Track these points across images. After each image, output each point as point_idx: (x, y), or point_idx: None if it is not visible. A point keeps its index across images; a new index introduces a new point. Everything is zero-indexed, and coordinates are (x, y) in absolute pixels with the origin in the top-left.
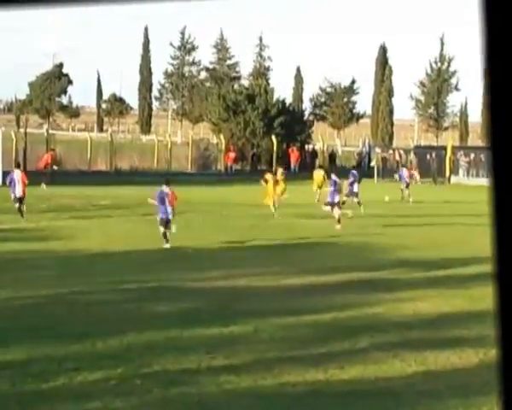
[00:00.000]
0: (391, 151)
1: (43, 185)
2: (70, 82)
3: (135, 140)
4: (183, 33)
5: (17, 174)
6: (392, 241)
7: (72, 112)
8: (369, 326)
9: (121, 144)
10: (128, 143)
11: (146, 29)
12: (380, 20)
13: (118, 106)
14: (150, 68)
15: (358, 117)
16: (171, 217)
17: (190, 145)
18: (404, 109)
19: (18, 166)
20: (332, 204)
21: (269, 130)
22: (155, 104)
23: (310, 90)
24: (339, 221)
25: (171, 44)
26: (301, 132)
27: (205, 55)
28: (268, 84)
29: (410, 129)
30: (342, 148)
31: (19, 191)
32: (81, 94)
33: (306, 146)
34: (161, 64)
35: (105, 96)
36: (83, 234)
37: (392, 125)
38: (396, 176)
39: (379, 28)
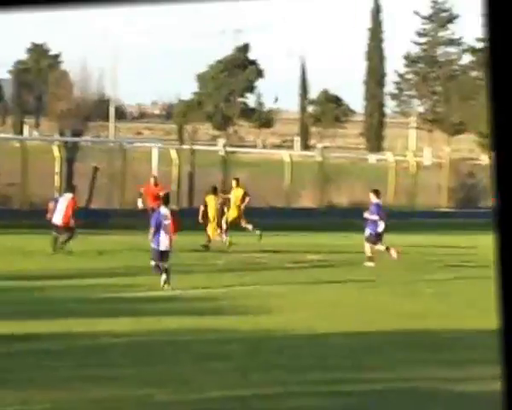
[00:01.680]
0: None
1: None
2: (260, 74)
3: (358, 161)
4: None
5: (65, 199)
6: None
7: (263, 119)
8: None
9: (338, 167)
10: (348, 166)
11: None
12: None
13: (332, 109)
14: (382, 51)
15: None
16: (164, 248)
17: (447, 169)
18: None
19: (71, 189)
20: None
21: None
22: (391, 106)
23: None
24: None
25: (415, 13)
26: None
27: (470, 30)
28: None
29: None
30: None
31: (58, 218)
32: (276, 92)
33: None
34: (401, 45)
35: (312, 95)
36: (278, 305)
37: None
38: None
39: None
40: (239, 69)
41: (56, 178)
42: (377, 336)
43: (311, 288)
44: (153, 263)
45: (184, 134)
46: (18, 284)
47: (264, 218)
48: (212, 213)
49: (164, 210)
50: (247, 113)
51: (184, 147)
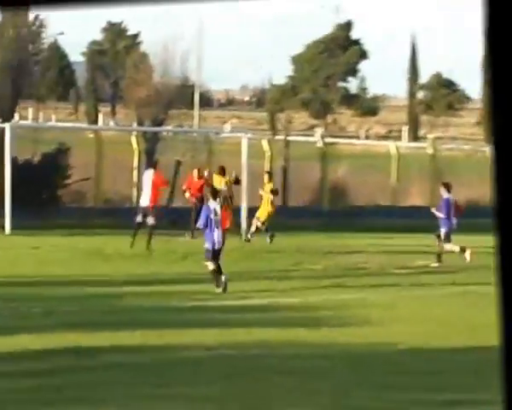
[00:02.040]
0: None
1: (187, 235)
2: (363, 55)
3: (475, 153)
4: None
5: (148, 177)
6: None
7: (366, 106)
8: None
9: (451, 160)
10: (463, 159)
11: None
12: None
13: (445, 95)
14: None
15: None
16: (218, 246)
17: None
18: None
19: (153, 165)
20: None
21: None
22: None
23: None
24: None
25: None
26: None
27: None
28: None
29: None
30: None
31: (145, 199)
32: (381, 75)
33: None
34: None
35: (423, 79)
36: (381, 316)
37: None
38: None
39: None
40: (340, 50)
41: (134, 172)
42: (492, 352)
43: (420, 297)
44: (210, 266)
45: (277, 123)
46: (95, 291)
47: (368, 217)
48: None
49: (213, 204)
50: (349, 99)
51: (277, 138)
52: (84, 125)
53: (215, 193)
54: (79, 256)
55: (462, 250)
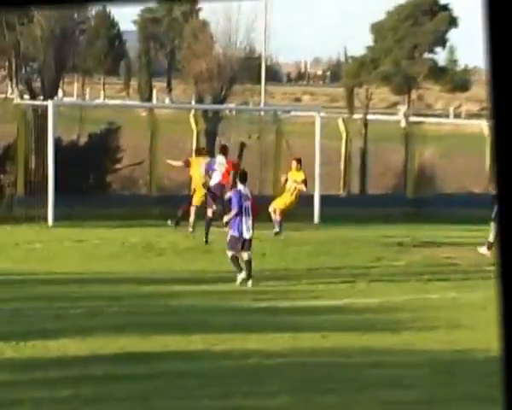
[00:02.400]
0: None
1: (169, 221)
2: (453, 22)
3: None
4: None
5: (219, 166)
6: None
7: (457, 81)
8: None
9: None
10: None
11: None
12: None
13: None
14: None
15: None
16: (249, 234)
17: None
18: None
19: (222, 151)
20: None
21: None
22: None
23: None
24: None
25: None
26: None
27: None
28: None
29: None
30: None
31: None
32: (473, 46)
33: None
34: None
35: None
36: (473, 319)
37: None
38: None
39: None
40: (426, 17)
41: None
42: None
43: None
44: (230, 254)
45: (355, 100)
46: (148, 290)
47: (459, 206)
48: (196, 179)
49: (244, 189)
50: (436, 72)
51: (355, 116)
52: (136, 102)
53: (245, 175)
54: (130, 251)
55: (489, 246)
